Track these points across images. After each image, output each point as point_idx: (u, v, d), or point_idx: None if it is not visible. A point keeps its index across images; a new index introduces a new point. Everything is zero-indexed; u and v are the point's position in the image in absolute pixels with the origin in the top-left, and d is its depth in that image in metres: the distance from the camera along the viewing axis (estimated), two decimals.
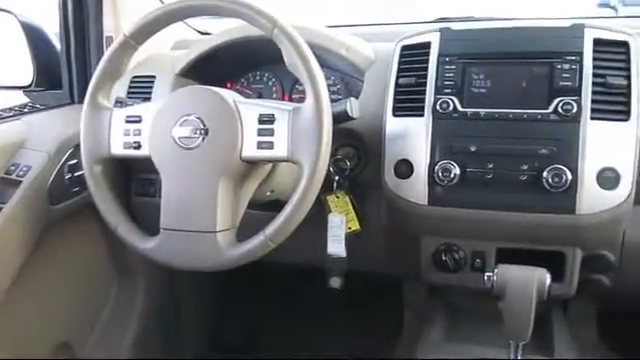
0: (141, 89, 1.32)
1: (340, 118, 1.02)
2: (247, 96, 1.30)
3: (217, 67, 1.31)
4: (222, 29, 1.30)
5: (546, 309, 1.26)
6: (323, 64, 1.20)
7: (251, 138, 0.94)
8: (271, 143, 0.93)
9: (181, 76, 1.31)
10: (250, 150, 0.94)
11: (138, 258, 1.26)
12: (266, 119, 0.94)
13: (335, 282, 1.25)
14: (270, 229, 0.93)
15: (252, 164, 0.98)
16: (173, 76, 1.31)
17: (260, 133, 0.94)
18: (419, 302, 1.42)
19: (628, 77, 1.01)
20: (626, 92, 1.01)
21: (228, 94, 0.98)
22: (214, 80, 1.21)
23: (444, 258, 1.14)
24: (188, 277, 1.56)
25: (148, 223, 1.03)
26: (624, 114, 1.00)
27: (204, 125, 0.94)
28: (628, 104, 1.00)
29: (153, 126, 0.98)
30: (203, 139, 0.94)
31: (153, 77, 1.32)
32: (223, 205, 0.95)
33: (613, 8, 1.60)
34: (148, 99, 1.29)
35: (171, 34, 1.50)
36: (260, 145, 0.94)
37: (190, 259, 0.97)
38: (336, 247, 1.19)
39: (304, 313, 1.81)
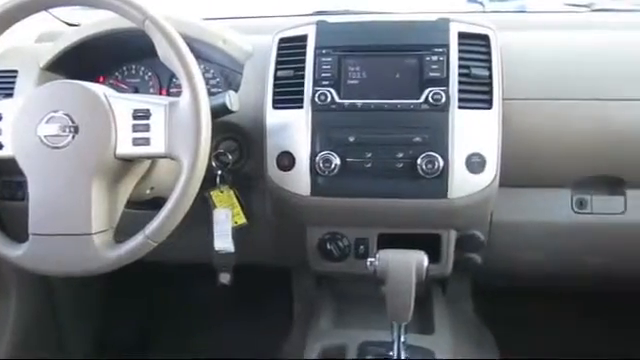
0: (1, 84, 1.22)
1: (219, 112, 1.01)
2: (122, 91, 1.24)
3: (88, 60, 1.24)
4: (94, 20, 1.24)
5: (426, 289, 1.32)
6: (200, 57, 1.19)
7: (125, 134, 0.91)
8: (147, 139, 0.91)
9: (47, 70, 1.23)
10: (125, 147, 0.91)
11: (8, 265, 1.17)
12: (141, 114, 0.91)
13: (224, 278, 1.24)
14: (150, 228, 0.90)
15: (128, 161, 0.94)
16: (38, 70, 1.23)
17: (135, 129, 0.91)
18: (308, 292, 1.44)
19: (490, 68, 1.08)
20: (488, 82, 1.07)
21: (99, 88, 0.94)
22: (85, 74, 1.15)
23: (329, 247, 1.16)
24: (68, 280, 1.48)
25: (17, 229, 0.97)
26: (487, 103, 1.07)
27: (73, 122, 0.90)
28: (490, 93, 1.07)
29: (15, 124, 0.92)
30: (73, 137, 0.90)
31: (15, 72, 1.23)
32: (98, 206, 0.91)
33: (480, 3, 1.73)
34: (10, 95, 1.20)
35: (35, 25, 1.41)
36: (136, 141, 0.91)
37: (64, 264, 0.92)
38: (223, 242, 1.18)
39: (196, 311, 1.78)
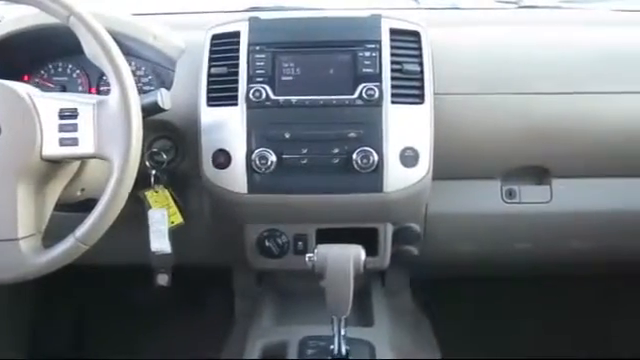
0: None
1: (150, 110, 0.99)
2: (48, 90, 1.20)
3: (10, 59, 1.18)
4: (17, 15, 1.18)
5: (365, 282, 1.34)
6: (130, 54, 1.16)
7: (52, 135, 0.88)
8: (75, 139, 0.88)
9: None
10: (51, 148, 0.88)
11: None
12: (68, 114, 0.88)
13: (162, 279, 1.22)
14: (80, 231, 0.88)
15: (55, 163, 0.91)
16: None
17: (62, 129, 0.88)
18: (249, 290, 1.43)
19: (421, 64, 1.10)
20: (420, 78, 1.10)
21: (22, 87, 0.90)
22: (8, 73, 1.09)
23: (268, 244, 1.16)
24: None
25: None
26: (419, 98, 1.09)
27: None
28: (422, 89, 1.09)
29: None
30: None
31: None
32: (24, 209, 0.88)
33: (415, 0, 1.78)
34: None
35: None
36: (63, 142, 0.88)
37: None
38: (159, 243, 1.15)
39: (134, 314, 1.74)
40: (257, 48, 1.10)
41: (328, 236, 1.12)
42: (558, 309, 1.67)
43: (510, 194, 1.22)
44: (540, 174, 1.23)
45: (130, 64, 0.91)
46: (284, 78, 1.10)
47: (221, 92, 1.10)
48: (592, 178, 1.22)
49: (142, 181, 1.01)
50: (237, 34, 1.12)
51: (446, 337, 1.39)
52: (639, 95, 1.16)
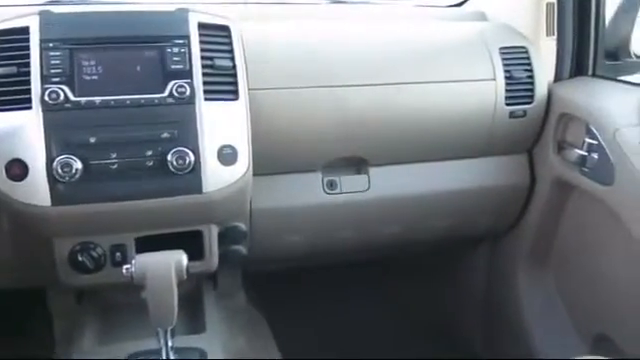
0: None
1: None
2: None
3: None
4: None
5: (196, 287, 1.30)
6: None
7: None
8: None
9: None
10: None
11: None
12: None
13: None
14: None
15: None
16: None
17: None
18: (68, 310, 1.31)
19: (233, 59, 1.08)
20: (233, 73, 1.07)
21: None
22: None
23: (81, 259, 1.06)
24: None
25: None
26: (233, 94, 1.06)
27: None
28: (236, 84, 1.07)
29: None
30: None
31: None
32: None
33: None
34: None
35: None
36: None
37: None
38: None
39: None
40: (51, 45, 1.00)
41: (150, 244, 1.06)
42: (385, 290, 1.76)
43: (331, 185, 1.25)
44: (358, 164, 1.27)
45: None
46: (85, 77, 1.01)
47: (11, 95, 0.98)
48: (405, 164, 1.29)
49: None
50: (26, 30, 1.01)
51: (283, 331, 1.39)
52: (441, 84, 1.25)
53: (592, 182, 1.19)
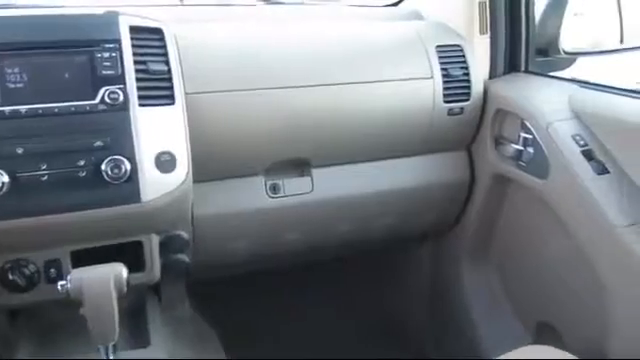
0: None
1: None
2: None
3: None
4: None
5: (139, 300, 1.26)
6: None
7: None
8: None
9: None
10: None
11: None
12: None
13: None
14: None
15: None
16: None
17: None
18: (2, 332, 1.24)
19: (167, 62, 1.04)
20: (168, 77, 1.04)
21: None
22: None
23: (12, 277, 1.01)
24: None
25: None
26: (169, 98, 1.03)
27: None
28: (171, 89, 1.04)
29: None
30: None
31: None
32: None
33: None
34: None
35: None
36: None
37: None
38: None
39: None
40: None
41: (87, 257, 1.02)
42: (334, 292, 1.76)
43: (274, 188, 1.23)
44: (301, 166, 1.26)
45: None
46: (9, 85, 0.95)
47: None
48: (347, 165, 1.29)
49: None
50: None
51: (233, 338, 1.37)
52: (380, 84, 1.25)
53: (529, 176, 1.22)
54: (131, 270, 0.95)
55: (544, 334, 1.30)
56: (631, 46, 1.46)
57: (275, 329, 1.62)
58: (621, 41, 1.43)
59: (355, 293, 1.78)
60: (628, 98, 1.15)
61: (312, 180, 1.26)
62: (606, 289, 1.08)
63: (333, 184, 1.27)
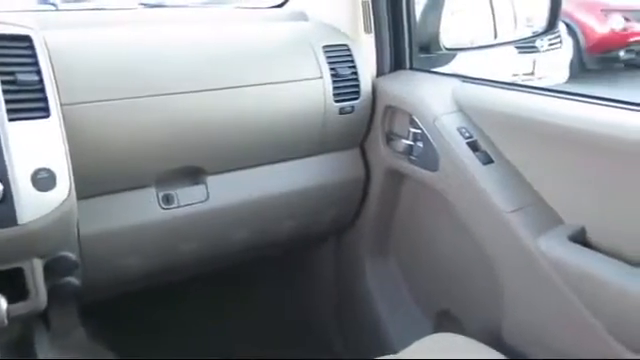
0: None
1: None
2: None
3: None
4: None
5: (25, 332, 1.16)
6: None
7: None
8: None
9: None
10: None
11: None
12: None
13: None
14: None
15: None
16: None
17: None
18: None
19: (39, 72, 0.97)
20: (40, 88, 0.96)
21: None
22: None
23: None
24: None
25: None
26: (43, 111, 0.95)
27: None
28: (45, 100, 0.96)
29: None
30: None
31: None
32: None
33: (53, 4, 1.63)
34: None
35: None
36: None
37: None
38: None
39: None
40: None
41: None
42: (243, 297, 1.72)
43: (167, 199, 1.18)
44: (195, 174, 1.21)
45: None
46: None
47: None
48: (243, 170, 1.26)
49: None
50: None
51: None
52: (270, 86, 1.24)
53: (420, 169, 1.26)
54: (12, 300, 0.87)
55: (445, 322, 1.34)
56: (503, 41, 1.55)
57: (184, 343, 1.55)
58: (495, 37, 1.51)
59: (262, 296, 1.76)
60: (506, 91, 1.21)
61: (207, 188, 1.22)
62: (498, 273, 1.13)
63: (229, 191, 1.24)
